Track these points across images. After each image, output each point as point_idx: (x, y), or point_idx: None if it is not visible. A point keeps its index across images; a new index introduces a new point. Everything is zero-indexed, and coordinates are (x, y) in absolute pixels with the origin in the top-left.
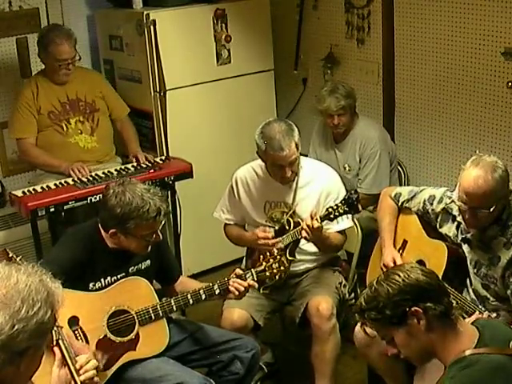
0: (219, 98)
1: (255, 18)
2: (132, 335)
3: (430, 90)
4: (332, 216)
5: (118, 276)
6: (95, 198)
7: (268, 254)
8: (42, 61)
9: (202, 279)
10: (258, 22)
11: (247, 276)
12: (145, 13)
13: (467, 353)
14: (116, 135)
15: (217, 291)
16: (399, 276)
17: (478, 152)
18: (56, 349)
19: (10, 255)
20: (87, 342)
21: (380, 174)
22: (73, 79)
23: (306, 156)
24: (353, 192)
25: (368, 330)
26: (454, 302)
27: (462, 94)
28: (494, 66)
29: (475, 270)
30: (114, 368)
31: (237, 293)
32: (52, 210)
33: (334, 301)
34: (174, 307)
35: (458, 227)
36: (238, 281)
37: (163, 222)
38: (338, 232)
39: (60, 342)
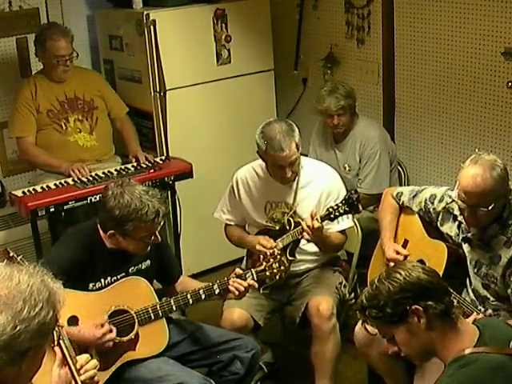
0: (219, 98)
1: (255, 18)
2: (131, 335)
3: (430, 90)
4: (332, 216)
5: (118, 276)
6: (95, 198)
7: (268, 254)
8: (39, 60)
9: (202, 279)
10: (258, 22)
11: (247, 276)
12: (145, 13)
13: (467, 352)
14: (116, 135)
15: (216, 291)
16: (400, 274)
17: (477, 151)
18: (57, 348)
19: (11, 255)
20: None
21: (380, 173)
22: (71, 78)
23: (306, 156)
24: (353, 192)
25: (369, 327)
26: (455, 301)
27: (462, 94)
28: (494, 66)
29: (475, 270)
30: (114, 368)
31: (237, 293)
32: (52, 210)
33: (334, 301)
34: (174, 307)
35: (458, 226)
36: (238, 280)
37: (162, 224)
38: (339, 232)
39: (61, 341)
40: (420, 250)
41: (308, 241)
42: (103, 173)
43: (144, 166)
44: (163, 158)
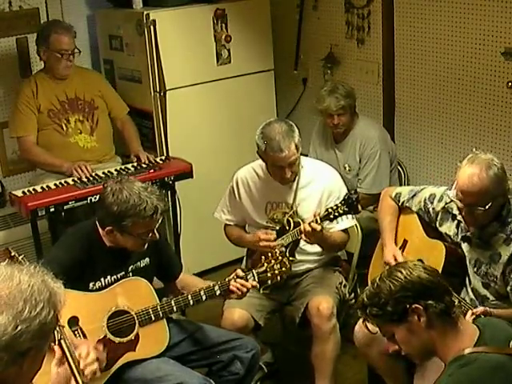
0: (219, 98)
1: (255, 18)
2: (132, 336)
3: (430, 90)
4: (332, 216)
5: (118, 275)
6: (95, 198)
7: (270, 254)
8: (41, 58)
9: (202, 279)
10: (258, 22)
11: (248, 277)
12: (145, 13)
13: (466, 351)
14: (117, 135)
15: (217, 292)
16: (401, 273)
17: (474, 150)
18: (56, 347)
19: (13, 254)
20: None
21: (380, 173)
22: (72, 78)
23: (306, 156)
24: (352, 192)
25: (369, 326)
26: (455, 300)
27: (462, 94)
28: (494, 66)
29: (475, 269)
30: (114, 368)
31: (239, 293)
32: (52, 210)
33: (335, 301)
34: (174, 308)
35: (457, 226)
36: (241, 281)
37: (160, 221)
38: (341, 230)
39: (62, 341)
40: (419, 249)
41: (308, 242)
42: (103, 173)
43: (144, 165)
44: (163, 157)
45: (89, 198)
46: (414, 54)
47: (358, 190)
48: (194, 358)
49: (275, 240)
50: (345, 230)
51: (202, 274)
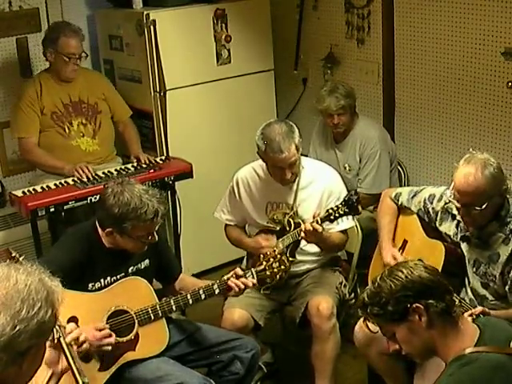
0: (219, 98)
1: (255, 18)
2: (131, 335)
3: (430, 90)
4: (332, 217)
5: (118, 276)
6: (95, 198)
7: (268, 253)
8: (47, 59)
9: (202, 279)
10: (258, 22)
11: (247, 275)
12: (145, 13)
13: (467, 351)
14: (117, 136)
15: (216, 291)
16: (402, 272)
17: (471, 150)
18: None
19: (13, 254)
20: None
21: (380, 173)
22: (76, 80)
23: (306, 156)
24: (353, 193)
25: (370, 325)
26: (456, 300)
27: (462, 94)
28: (494, 66)
29: (474, 269)
30: (114, 368)
31: (237, 289)
32: (52, 210)
33: (334, 301)
34: (174, 307)
35: (457, 225)
36: (241, 279)
37: (160, 223)
38: (340, 231)
39: (61, 339)
40: (418, 249)
41: (308, 242)
42: (103, 173)
43: (144, 165)
44: (163, 158)
45: (89, 198)
46: (414, 54)
47: (358, 189)
48: (193, 358)
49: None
50: (344, 231)
51: (201, 274)
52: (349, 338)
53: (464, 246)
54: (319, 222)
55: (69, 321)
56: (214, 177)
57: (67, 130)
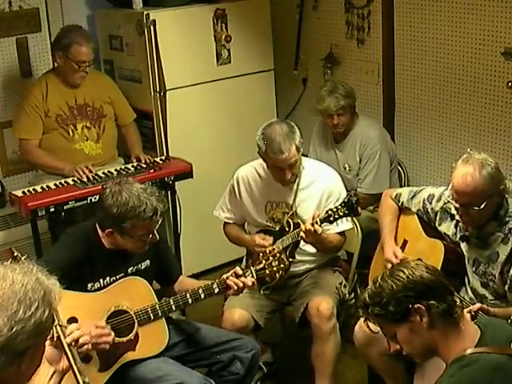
0: (219, 98)
1: (255, 18)
2: (131, 335)
3: (430, 90)
4: (332, 219)
5: (117, 276)
6: (95, 198)
7: (267, 251)
8: (55, 60)
9: (202, 279)
10: (258, 22)
11: (247, 274)
12: (145, 13)
13: (468, 352)
14: (119, 138)
15: (216, 290)
16: (404, 273)
17: (469, 150)
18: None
19: (15, 254)
20: None
21: (380, 173)
22: (83, 82)
23: (306, 156)
24: (352, 195)
25: (371, 325)
26: (457, 300)
27: (462, 94)
28: (494, 66)
29: (474, 269)
30: (114, 368)
31: (236, 288)
32: (52, 210)
33: (334, 301)
34: (173, 307)
35: (456, 225)
36: (240, 278)
37: (160, 222)
38: (338, 233)
39: (62, 339)
40: (418, 249)
41: (306, 242)
42: (103, 173)
43: (144, 165)
44: (163, 157)
45: (89, 198)
46: (414, 54)
47: (358, 189)
48: (193, 358)
49: (273, 243)
50: (341, 233)
51: (201, 274)
52: (349, 338)
53: (463, 246)
54: (319, 223)
55: (68, 321)
56: (214, 177)
57: (71, 133)
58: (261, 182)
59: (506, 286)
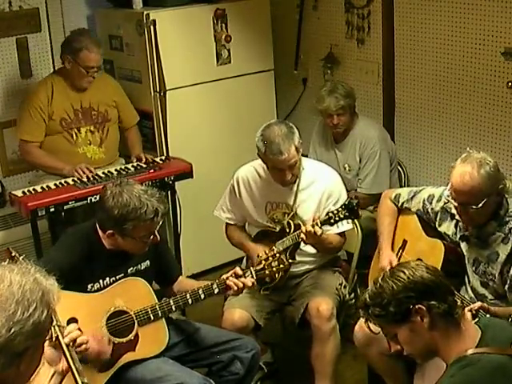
0: (219, 98)
1: (255, 18)
2: (131, 336)
3: (430, 90)
4: (332, 221)
5: (117, 277)
6: (95, 198)
7: (267, 252)
8: (63, 62)
9: (202, 279)
10: (258, 22)
11: (246, 275)
12: (145, 13)
13: (468, 352)
14: (121, 140)
15: (215, 290)
16: (404, 273)
17: (468, 149)
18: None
19: (13, 254)
20: None
21: (380, 173)
22: (89, 86)
23: (306, 156)
24: (353, 197)
25: (371, 326)
26: (458, 300)
27: (462, 94)
28: (494, 66)
29: (474, 268)
30: (114, 369)
31: (236, 288)
32: (52, 210)
33: (334, 302)
34: (173, 307)
35: (456, 225)
36: (240, 278)
37: (161, 223)
38: (338, 234)
39: (60, 340)
40: (418, 249)
41: (305, 243)
42: (103, 173)
43: (144, 165)
44: (163, 157)
45: (89, 198)
46: (414, 54)
47: (358, 189)
48: (193, 358)
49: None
50: (341, 234)
51: (201, 274)
52: (349, 338)
53: (463, 246)
54: (319, 225)
55: (68, 322)
56: (214, 177)
57: (75, 137)
58: (261, 183)
59: (506, 286)
